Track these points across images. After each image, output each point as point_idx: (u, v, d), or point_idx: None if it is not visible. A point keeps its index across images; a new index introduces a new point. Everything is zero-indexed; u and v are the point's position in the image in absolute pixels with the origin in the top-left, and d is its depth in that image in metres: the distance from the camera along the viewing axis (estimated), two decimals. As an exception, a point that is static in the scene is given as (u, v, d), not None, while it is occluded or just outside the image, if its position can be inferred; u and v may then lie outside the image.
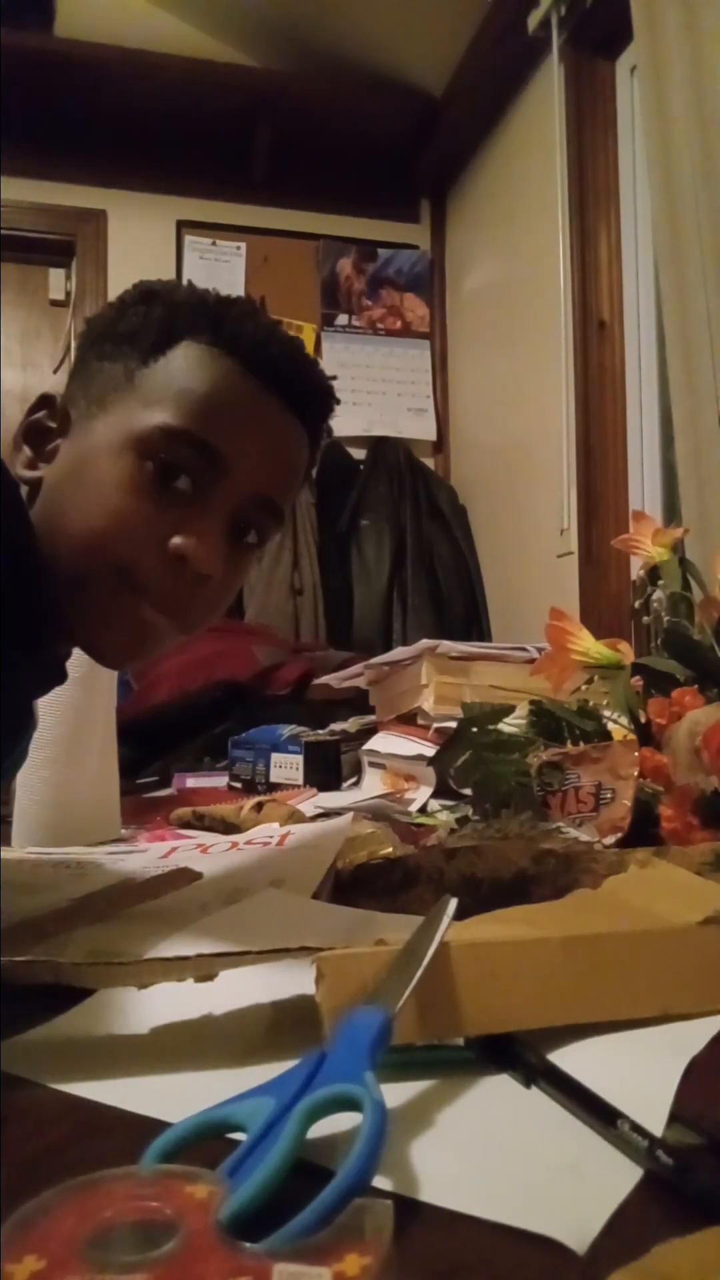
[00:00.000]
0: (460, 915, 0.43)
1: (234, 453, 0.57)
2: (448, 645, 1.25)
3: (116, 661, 0.61)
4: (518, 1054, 0.37)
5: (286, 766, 1.28)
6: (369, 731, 1.34)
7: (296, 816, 0.95)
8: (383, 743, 1.24)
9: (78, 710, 0.91)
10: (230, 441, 0.57)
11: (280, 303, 2.23)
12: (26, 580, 0.55)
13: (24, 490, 0.60)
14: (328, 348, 2.94)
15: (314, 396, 0.63)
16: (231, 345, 0.58)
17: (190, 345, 0.58)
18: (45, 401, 0.61)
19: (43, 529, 0.57)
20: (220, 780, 1.41)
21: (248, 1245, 0.24)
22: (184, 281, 0.63)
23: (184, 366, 0.57)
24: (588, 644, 0.85)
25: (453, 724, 0.97)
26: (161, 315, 0.59)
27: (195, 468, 0.56)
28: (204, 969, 0.41)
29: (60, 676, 0.65)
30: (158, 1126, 0.31)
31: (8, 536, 0.53)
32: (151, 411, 0.56)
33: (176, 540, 0.55)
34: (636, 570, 0.98)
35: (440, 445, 3.06)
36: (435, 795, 1.07)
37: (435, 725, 1.18)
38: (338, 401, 0.65)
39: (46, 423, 0.60)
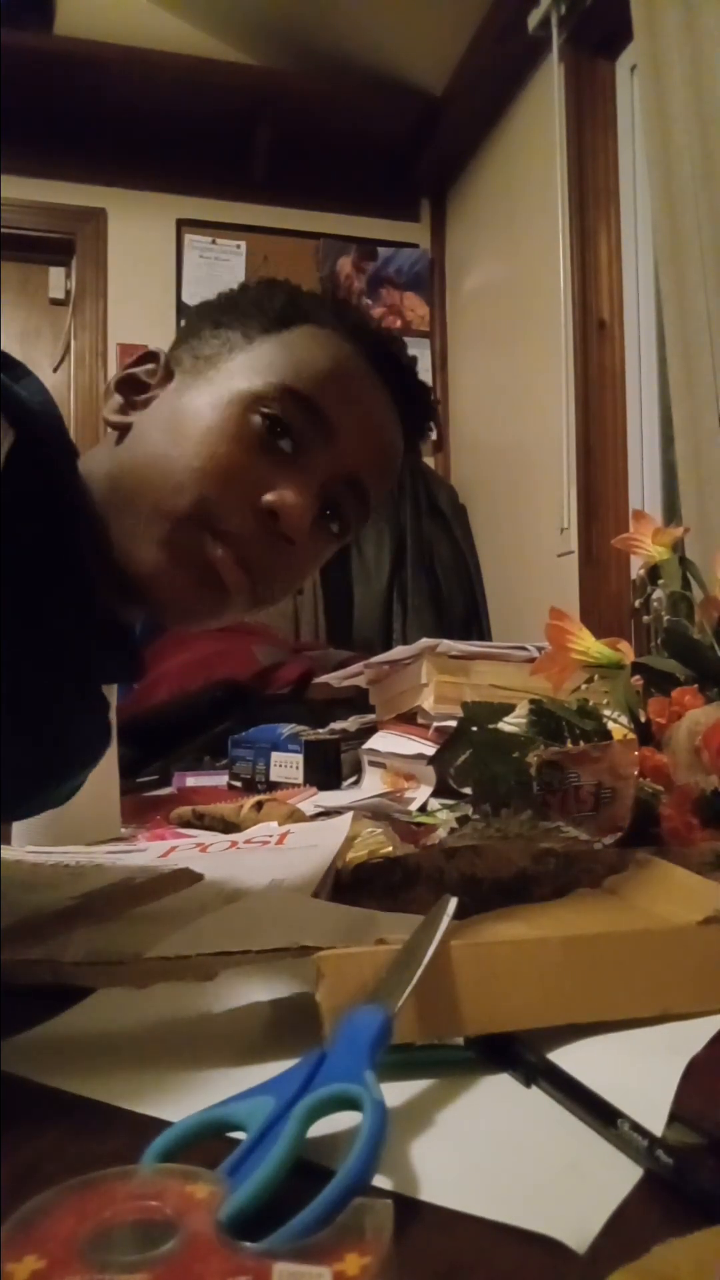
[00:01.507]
0: (460, 915, 0.43)
1: (341, 425, 0.57)
2: (448, 644, 1.25)
3: (180, 615, 0.58)
4: (518, 1054, 0.37)
5: (286, 765, 1.28)
6: (369, 730, 1.34)
7: (296, 815, 0.95)
8: (383, 742, 1.24)
9: (78, 710, 0.91)
10: (340, 413, 0.57)
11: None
12: (69, 529, 0.54)
13: (112, 435, 0.60)
14: (328, 347, 2.94)
15: (419, 405, 0.64)
16: (353, 333, 0.60)
17: (313, 326, 0.59)
18: (150, 357, 0.61)
19: (124, 470, 0.56)
20: (220, 779, 1.41)
21: (248, 1245, 0.24)
22: None
23: (305, 340, 0.58)
24: (588, 643, 0.85)
25: (453, 723, 0.96)
26: (286, 296, 0.61)
27: (302, 430, 0.56)
28: (204, 969, 0.41)
29: (133, 660, 0.62)
30: (158, 1126, 0.31)
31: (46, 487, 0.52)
32: (267, 372, 0.56)
33: (270, 496, 0.55)
34: (636, 570, 0.99)
35: (440, 445, 3.06)
36: (435, 794, 1.07)
37: (435, 724, 1.18)
38: (436, 425, 0.66)
39: (145, 377, 0.60)
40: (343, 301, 0.63)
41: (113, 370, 2.09)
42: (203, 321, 0.61)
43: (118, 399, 0.60)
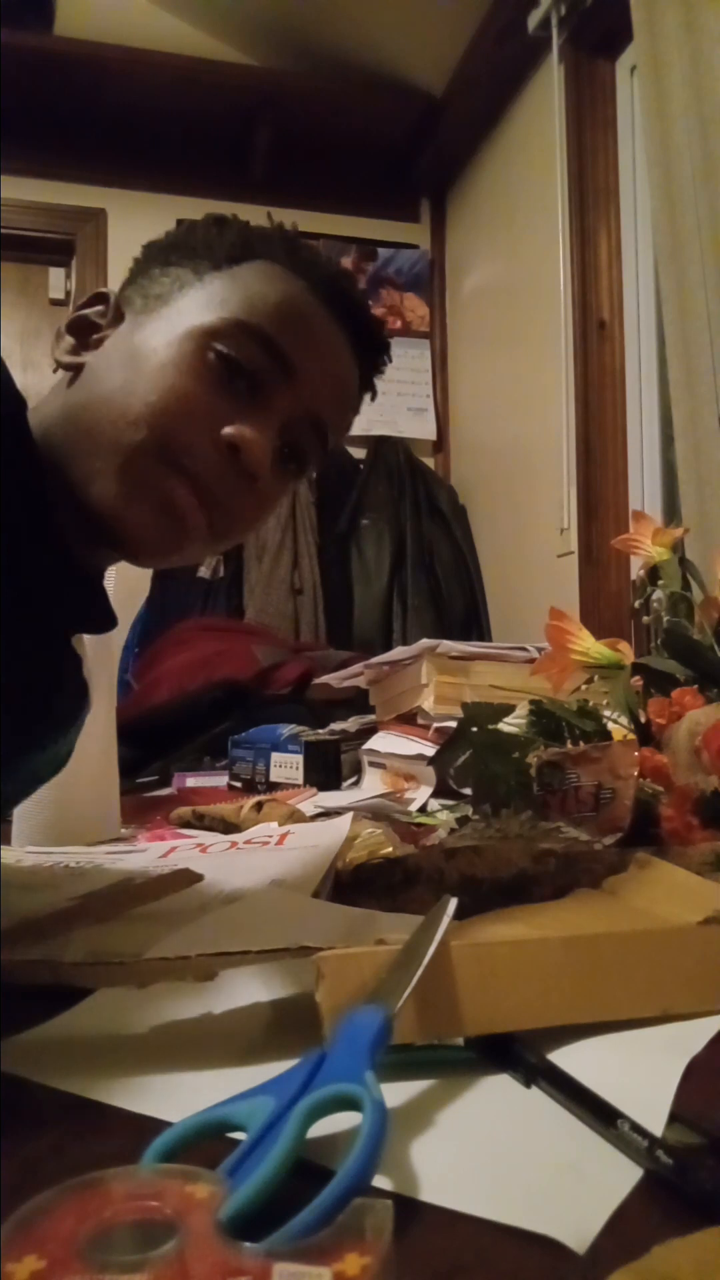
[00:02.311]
0: (460, 915, 0.43)
1: (296, 359, 0.57)
2: (448, 645, 1.25)
3: (145, 549, 0.57)
4: (518, 1054, 0.37)
5: (286, 766, 1.28)
6: (369, 731, 1.34)
7: (296, 816, 0.94)
8: (383, 742, 1.24)
9: (78, 710, 0.91)
10: (297, 350, 0.57)
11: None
12: (24, 474, 0.53)
13: (63, 379, 0.59)
14: (328, 347, 2.94)
15: (373, 340, 0.63)
16: (304, 269, 0.59)
17: (264, 263, 0.59)
18: (100, 298, 0.61)
19: (79, 408, 0.56)
20: (220, 780, 1.41)
21: (248, 1245, 0.24)
22: None
23: (258, 277, 0.58)
24: (588, 644, 0.84)
25: (453, 724, 0.97)
26: (237, 233, 0.60)
27: (259, 366, 0.56)
28: (204, 969, 0.41)
29: (102, 609, 0.61)
30: (158, 1126, 0.31)
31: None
32: (221, 307, 0.56)
33: (229, 430, 0.55)
34: (636, 570, 0.98)
35: (440, 445, 3.06)
36: (435, 795, 1.07)
37: (435, 725, 1.18)
38: (390, 359, 0.65)
39: (96, 318, 0.60)
40: (293, 237, 0.62)
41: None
42: (151, 262, 0.61)
43: (69, 340, 0.60)
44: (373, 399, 0.65)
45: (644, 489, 2.21)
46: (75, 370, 0.58)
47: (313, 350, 0.58)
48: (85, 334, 0.60)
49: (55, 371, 0.60)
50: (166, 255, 0.60)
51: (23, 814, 0.92)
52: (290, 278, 0.58)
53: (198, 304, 0.56)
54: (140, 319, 0.58)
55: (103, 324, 0.60)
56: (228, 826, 0.94)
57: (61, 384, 0.59)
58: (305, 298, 0.58)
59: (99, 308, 0.60)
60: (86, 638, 0.63)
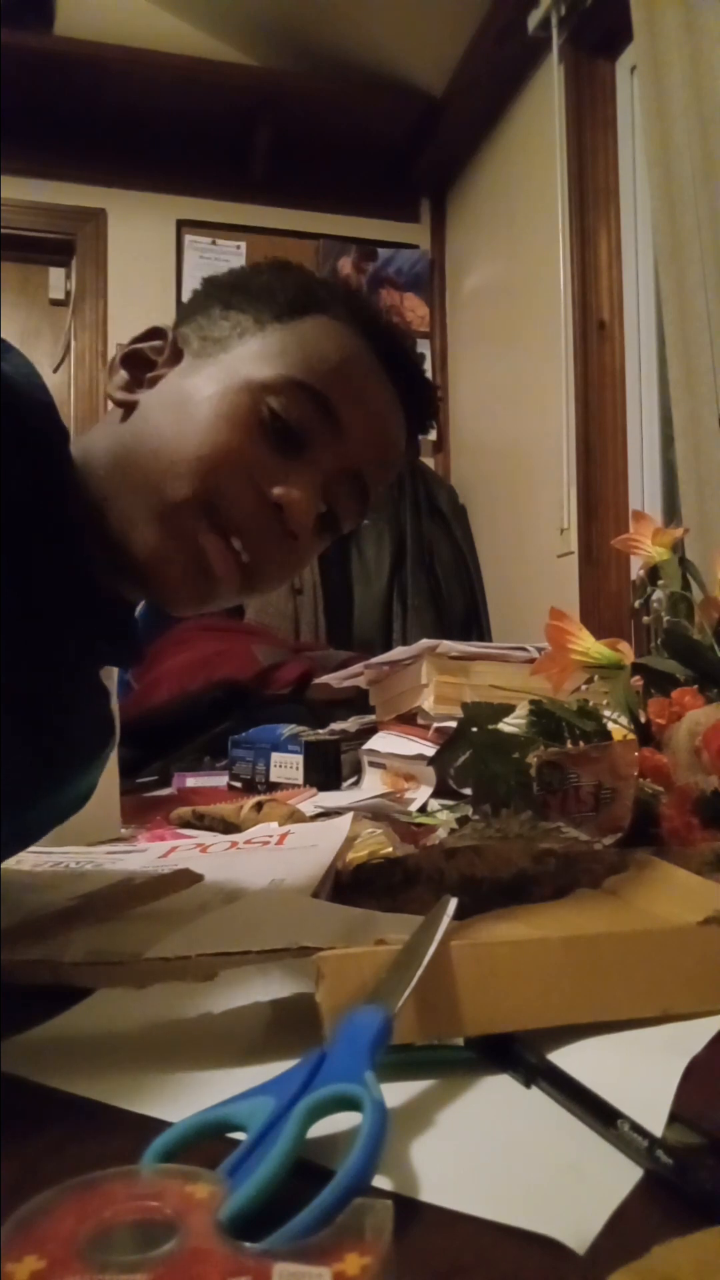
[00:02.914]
0: (460, 915, 0.43)
1: (348, 421, 0.57)
2: (448, 645, 1.25)
3: (176, 601, 0.58)
4: (518, 1054, 0.37)
5: (286, 766, 1.28)
6: (369, 731, 1.34)
7: (296, 816, 0.95)
8: (383, 742, 1.24)
9: (78, 710, 0.91)
10: (347, 410, 0.57)
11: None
12: (61, 508, 0.53)
13: (115, 412, 0.59)
14: (328, 347, 2.94)
15: (424, 404, 0.64)
16: (365, 328, 0.59)
17: (325, 318, 0.59)
18: (156, 333, 0.60)
19: (128, 449, 0.56)
20: (220, 780, 1.41)
21: (248, 1245, 0.24)
22: None
23: (317, 332, 0.58)
24: (588, 644, 0.84)
25: (453, 724, 0.97)
26: (300, 282, 0.60)
27: (309, 425, 0.56)
28: (204, 969, 0.41)
29: (131, 643, 0.61)
30: (158, 1126, 0.31)
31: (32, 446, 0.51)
32: (279, 362, 0.56)
33: (278, 490, 0.55)
34: (636, 570, 0.98)
35: (440, 445, 3.06)
36: (435, 795, 1.07)
37: (435, 725, 1.18)
38: (436, 424, 0.66)
39: (152, 355, 0.60)
40: (355, 294, 0.63)
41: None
42: (211, 301, 0.60)
43: (124, 375, 0.59)
44: (416, 457, 0.66)
45: (644, 489, 2.21)
46: (128, 408, 0.58)
47: (364, 412, 0.58)
48: (141, 370, 0.59)
49: (106, 407, 0.60)
50: (228, 296, 0.60)
51: (23, 814, 0.91)
52: (351, 336, 0.59)
53: (256, 355, 0.57)
54: (197, 363, 0.58)
55: (159, 361, 0.59)
56: (228, 826, 0.95)
57: (112, 417, 0.59)
58: (363, 358, 0.59)
59: (156, 343, 0.60)
60: None
